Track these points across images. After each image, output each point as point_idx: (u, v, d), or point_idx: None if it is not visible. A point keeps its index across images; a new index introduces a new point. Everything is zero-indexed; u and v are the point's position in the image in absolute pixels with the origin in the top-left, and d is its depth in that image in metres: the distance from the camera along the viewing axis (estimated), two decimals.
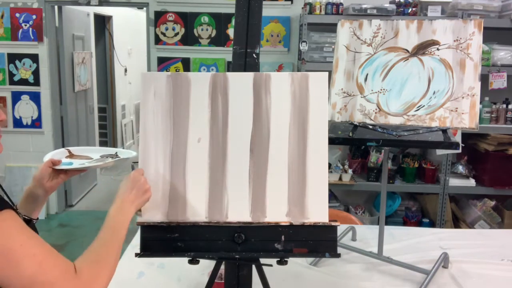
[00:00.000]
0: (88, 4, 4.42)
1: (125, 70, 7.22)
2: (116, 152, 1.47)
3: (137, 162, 1.29)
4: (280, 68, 4.37)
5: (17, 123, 4.62)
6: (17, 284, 0.88)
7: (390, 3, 3.91)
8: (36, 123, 4.64)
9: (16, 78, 4.55)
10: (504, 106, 3.82)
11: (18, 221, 0.91)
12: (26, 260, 0.88)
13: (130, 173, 1.23)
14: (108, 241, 1.08)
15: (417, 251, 2.03)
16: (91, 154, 1.46)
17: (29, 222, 1.24)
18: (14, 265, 0.87)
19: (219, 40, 4.39)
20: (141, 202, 1.22)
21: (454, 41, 1.70)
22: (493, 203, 3.98)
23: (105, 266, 1.03)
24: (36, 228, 1.25)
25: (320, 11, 3.83)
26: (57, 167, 1.31)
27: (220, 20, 4.36)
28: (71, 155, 1.44)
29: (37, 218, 1.29)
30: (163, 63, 4.44)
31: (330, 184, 3.70)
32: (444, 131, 1.68)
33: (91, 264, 1.00)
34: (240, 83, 1.32)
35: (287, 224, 1.28)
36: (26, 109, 4.61)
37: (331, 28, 3.80)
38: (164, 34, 4.40)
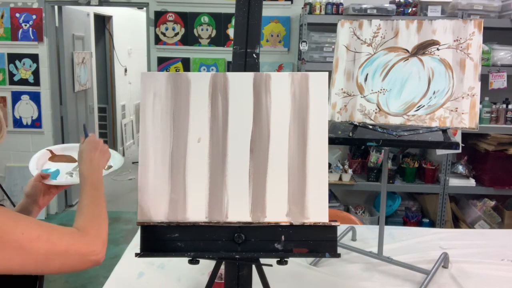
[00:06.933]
0: (88, 4, 4.42)
1: (125, 70, 7.22)
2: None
3: (137, 162, 1.29)
4: (280, 68, 4.37)
5: (17, 123, 4.62)
6: (31, 265, 0.93)
7: (390, 3, 3.91)
8: (36, 123, 4.64)
9: (16, 78, 4.55)
10: (504, 106, 3.82)
11: (9, 213, 0.94)
12: (34, 243, 0.92)
13: (88, 136, 1.29)
14: (94, 197, 1.15)
15: (417, 251, 2.03)
16: (73, 153, 1.44)
17: None
18: (24, 253, 0.91)
19: (219, 40, 4.39)
20: (105, 161, 1.29)
21: (454, 41, 1.70)
22: (493, 203, 3.98)
23: (103, 219, 1.10)
24: None
25: (320, 11, 3.83)
26: (47, 182, 1.33)
27: (220, 20, 4.36)
28: (53, 156, 1.43)
29: None
30: (163, 63, 4.44)
31: (330, 184, 3.70)
32: (444, 131, 1.68)
33: (90, 220, 1.07)
34: (240, 83, 1.32)
35: (287, 224, 1.28)
36: (26, 109, 4.61)
37: (331, 28, 3.80)
38: (164, 34, 4.40)
